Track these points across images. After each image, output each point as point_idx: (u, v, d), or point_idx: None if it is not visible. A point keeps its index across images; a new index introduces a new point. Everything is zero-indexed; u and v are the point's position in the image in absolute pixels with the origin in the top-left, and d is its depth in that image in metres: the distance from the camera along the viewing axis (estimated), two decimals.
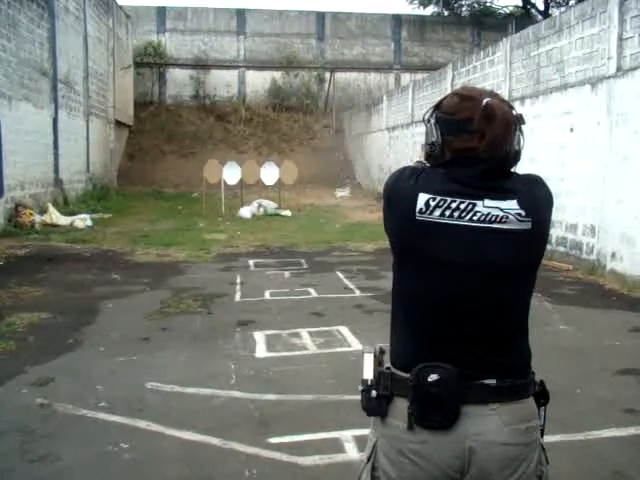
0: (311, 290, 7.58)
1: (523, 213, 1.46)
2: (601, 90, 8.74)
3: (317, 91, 29.96)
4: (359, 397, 1.57)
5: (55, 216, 13.44)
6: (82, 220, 13.60)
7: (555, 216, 9.69)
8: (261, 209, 16.51)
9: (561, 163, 9.72)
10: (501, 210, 1.45)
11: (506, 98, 11.34)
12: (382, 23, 31.09)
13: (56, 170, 15.90)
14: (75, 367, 4.84)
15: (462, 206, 1.45)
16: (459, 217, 1.45)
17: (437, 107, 1.56)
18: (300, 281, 8.18)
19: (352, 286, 7.80)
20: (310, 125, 28.33)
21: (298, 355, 5.16)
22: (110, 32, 21.86)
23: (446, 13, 32.17)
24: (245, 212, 15.88)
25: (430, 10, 32.07)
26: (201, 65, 29.28)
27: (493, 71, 12.35)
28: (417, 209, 1.47)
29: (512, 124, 1.49)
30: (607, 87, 8.60)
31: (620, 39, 8.38)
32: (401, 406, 1.48)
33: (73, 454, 3.42)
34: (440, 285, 1.48)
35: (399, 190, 1.53)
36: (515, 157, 1.52)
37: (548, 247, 9.88)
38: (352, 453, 3.41)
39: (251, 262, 9.67)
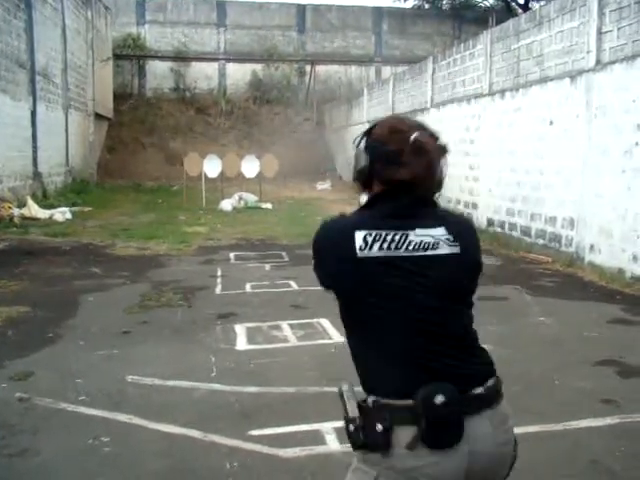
0: (292, 283, 7.55)
1: (451, 238, 1.56)
2: (580, 83, 8.81)
3: (298, 84, 29.89)
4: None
5: (34, 209, 13.23)
6: (62, 213, 13.39)
7: (535, 208, 9.80)
8: (242, 202, 16.45)
9: (540, 156, 9.79)
10: (432, 237, 1.54)
11: (486, 91, 11.41)
12: (363, 15, 31.06)
13: (35, 163, 15.69)
14: (55, 361, 4.78)
15: (397, 237, 1.50)
16: (396, 248, 1.50)
17: (368, 134, 1.61)
18: (281, 274, 8.15)
19: None
20: (291, 118, 28.24)
21: (279, 347, 5.14)
22: (89, 24, 21.57)
23: (427, 6, 32.13)
24: (226, 205, 15.77)
25: (411, 3, 32.03)
26: (181, 57, 29.04)
27: (473, 64, 12.40)
28: (357, 247, 1.49)
29: (438, 157, 1.56)
30: (586, 80, 8.67)
31: (599, 33, 8.45)
32: (404, 434, 1.44)
33: (53, 448, 3.38)
34: (398, 313, 1.50)
35: (331, 237, 1.55)
36: (439, 186, 1.60)
37: (528, 240, 9.98)
38: (333, 445, 3.41)
39: (232, 255, 9.61)
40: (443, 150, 1.59)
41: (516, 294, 7.14)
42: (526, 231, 10.22)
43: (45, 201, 15.06)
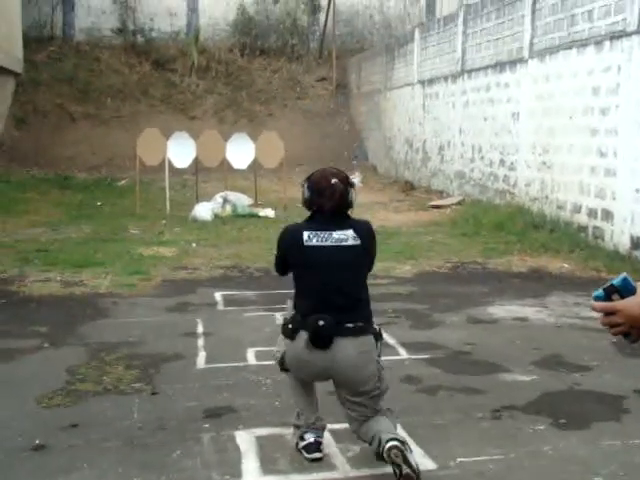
0: None
1: (355, 235, 4.42)
2: None
3: (308, 25, 30.53)
4: None
5: None
6: None
7: None
8: (227, 207, 16.30)
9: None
10: (344, 235, 4.41)
11: (634, 26, 10.58)
12: None
13: None
14: None
15: (325, 235, 4.39)
16: (324, 240, 4.39)
17: (309, 179, 4.53)
18: None
19: (392, 341, 7.28)
20: (298, 77, 28.89)
21: (323, 479, 4.51)
22: None
23: None
24: (203, 211, 15.66)
25: None
26: None
27: None
28: (304, 239, 4.40)
29: (345, 192, 4.44)
30: None
31: None
32: (302, 335, 4.37)
33: None
34: (319, 276, 4.41)
35: (291, 232, 4.54)
36: (349, 206, 4.50)
37: None
38: None
39: (218, 296, 9.34)
40: (351, 185, 4.49)
41: None
42: None
43: None
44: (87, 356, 6.80)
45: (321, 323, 4.26)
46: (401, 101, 22.48)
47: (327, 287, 4.36)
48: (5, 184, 19.61)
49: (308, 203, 4.50)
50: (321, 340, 4.28)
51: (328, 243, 4.35)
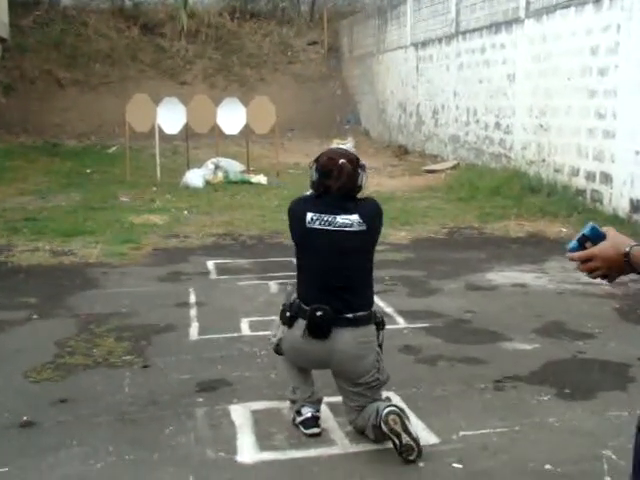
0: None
1: (361, 221, 4.26)
2: None
3: None
4: None
5: None
6: None
7: None
8: (219, 173, 16.29)
9: None
10: (349, 220, 4.25)
11: None
12: None
13: None
14: None
15: (329, 219, 4.25)
16: (327, 224, 4.26)
17: (317, 160, 4.36)
18: None
19: (389, 309, 7.16)
20: (289, 41, 28.96)
21: (321, 455, 4.35)
22: None
23: None
24: (194, 178, 15.67)
25: None
26: None
27: None
28: (307, 221, 4.29)
29: (354, 175, 4.26)
30: None
31: None
32: (301, 323, 4.31)
33: None
34: (320, 261, 4.33)
35: (295, 211, 4.41)
36: (359, 189, 4.36)
37: None
38: None
39: (211, 264, 9.29)
40: (361, 167, 4.34)
41: None
42: None
43: None
44: (76, 328, 6.72)
45: (319, 313, 4.21)
46: (394, 64, 22.37)
47: (328, 274, 4.29)
48: None
49: (315, 185, 4.37)
50: (319, 330, 4.24)
51: (331, 228, 4.23)
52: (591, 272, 2.32)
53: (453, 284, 8.06)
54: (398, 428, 4.00)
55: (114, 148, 20.63)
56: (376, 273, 4.62)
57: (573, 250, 2.34)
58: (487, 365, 5.63)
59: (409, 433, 4.02)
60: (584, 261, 2.31)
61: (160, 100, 16.85)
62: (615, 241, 2.29)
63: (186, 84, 25.38)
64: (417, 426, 4.47)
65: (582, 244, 2.33)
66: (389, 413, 4.04)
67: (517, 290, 7.81)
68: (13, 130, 22.69)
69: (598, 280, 2.40)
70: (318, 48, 28.80)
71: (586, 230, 2.34)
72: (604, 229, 2.35)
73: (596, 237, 2.32)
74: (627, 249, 2.24)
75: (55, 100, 24.78)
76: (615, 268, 2.29)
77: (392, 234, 10.68)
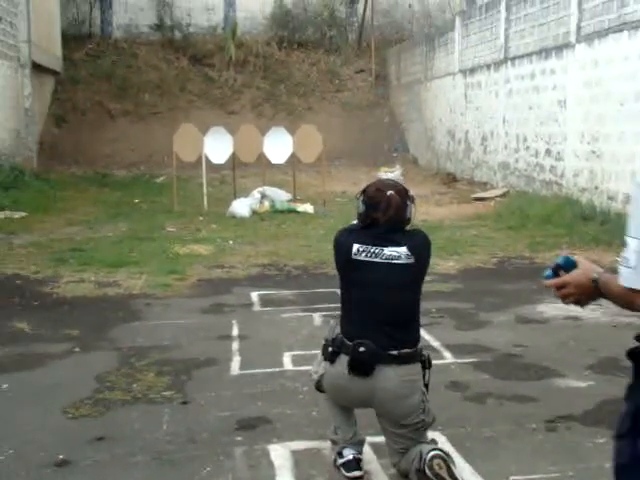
0: None
1: (409, 253, 4.12)
2: None
3: (346, 16, 30.77)
4: None
5: None
6: None
7: None
8: (266, 202, 16.34)
9: None
10: (397, 252, 4.11)
11: None
12: None
13: None
14: None
15: (376, 251, 4.12)
16: (374, 256, 4.12)
17: (364, 192, 4.23)
18: None
19: (435, 343, 7.05)
20: (336, 69, 29.02)
21: None
22: None
23: None
24: (241, 207, 15.70)
25: None
26: None
27: None
28: (353, 252, 4.16)
29: (402, 207, 4.14)
30: None
31: None
32: (343, 359, 4.14)
33: None
34: (366, 295, 4.17)
35: (342, 243, 4.27)
36: (408, 221, 4.22)
37: None
38: None
39: (255, 296, 9.22)
40: (410, 199, 4.21)
41: None
42: None
43: None
44: (117, 361, 6.68)
45: (362, 349, 4.05)
46: (442, 91, 22.31)
47: (373, 307, 4.13)
48: (44, 183, 19.60)
49: (363, 217, 4.22)
50: (361, 367, 4.07)
51: (378, 260, 4.10)
52: (565, 298, 2.51)
53: (502, 316, 7.87)
54: (443, 473, 3.82)
55: (162, 178, 20.74)
56: (422, 305, 4.46)
57: (548, 278, 2.55)
58: (538, 404, 5.41)
59: (455, 479, 3.83)
60: (559, 288, 2.51)
61: (207, 130, 16.96)
62: (585, 268, 2.49)
63: (234, 113, 25.50)
64: (464, 470, 4.31)
65: (556, 272, 2.54)
66: (434, 457, 3.86)
67: (569, 323, 7.56)
68: (65, 161, 22.91)
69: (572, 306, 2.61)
70: (366, 76, 28.81)
71: (559, 260, 2.55)
72: (575, 258, 2.54)
73: (568, 266, 2.52)
74: (595, 275, 2.43)
75: (105, 131, 25.08)
76: (586, 294, 2.48)
77: (439, 264, 10.49)
